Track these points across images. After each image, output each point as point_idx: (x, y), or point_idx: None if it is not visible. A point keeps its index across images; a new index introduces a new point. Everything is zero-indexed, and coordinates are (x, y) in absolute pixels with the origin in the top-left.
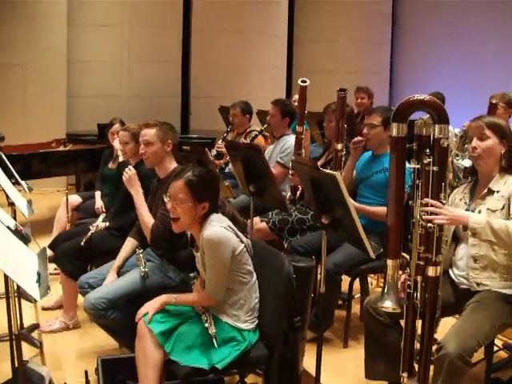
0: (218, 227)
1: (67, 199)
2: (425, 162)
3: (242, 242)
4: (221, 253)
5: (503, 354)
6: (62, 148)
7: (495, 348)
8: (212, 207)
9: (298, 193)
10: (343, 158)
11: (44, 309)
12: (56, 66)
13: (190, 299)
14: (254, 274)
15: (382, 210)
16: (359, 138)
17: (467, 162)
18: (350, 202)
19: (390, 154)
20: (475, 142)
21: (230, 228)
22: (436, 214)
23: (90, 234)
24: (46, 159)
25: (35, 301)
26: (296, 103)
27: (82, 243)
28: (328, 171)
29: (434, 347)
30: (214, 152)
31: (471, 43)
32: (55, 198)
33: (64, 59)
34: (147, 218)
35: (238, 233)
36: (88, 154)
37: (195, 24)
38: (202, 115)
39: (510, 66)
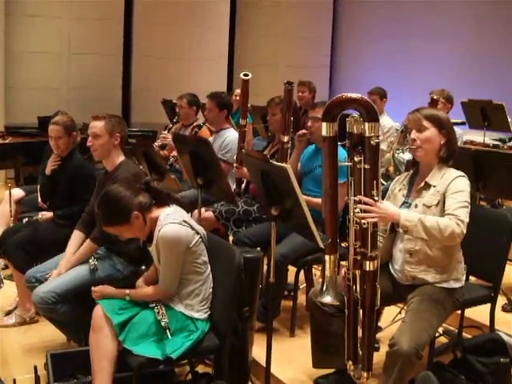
0: (173, 224)
1: (10, 193)
2: (356, 159)
3: (197, 233)
4: (175, 249)
5: (443, 339)
6: (0, 141)
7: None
8: (144, 206)
9: (243, 185)
10: (289, 151)
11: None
12: None
13: (144, 294)
14: (209, 265)
15: None
16: (303, 131)
17: (408, 156)
18: (301, 194)
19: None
20: (414, 134)
21: (185, 222)
22: (368, 212)
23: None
24: None
25: None
26: (238, 97)
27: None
28: (279, 164)
29: (379, 335)
30: (158, 142)
31: (412, 38)
32: None
33: (2, 49)
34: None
35: (194, 225)
36: (28, 147)
37: (137, 17)
38: (143, 108)
39: (450, 63)
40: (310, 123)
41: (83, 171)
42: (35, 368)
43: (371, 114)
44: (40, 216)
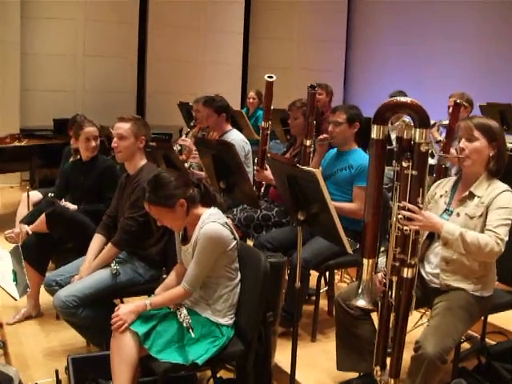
0: (217, 224)
1: (28, 195)
2: (404, 165)
3: (235, 238)
4: (213, 249)
5: (466, 345)
6: (16, 143)
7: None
8: (190, 197)
9: (263, 189)
10: (311, 155)
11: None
12: (9, 59)
13: (164, 300)
14: (239, 274)
15: (348, 205)
16: (325, 135)
17: (432, 161)
18: (330, 199)
19: (369, 156)
20: (463, 143)
21: (227, 225)
22: (411, 219)
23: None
24: (1, 155)
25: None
26: (251, 100)
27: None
28: (307, 168)
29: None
30: (177, 147)
31: (426, 41)
32: (8, 195)
33: (17, 52)
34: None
35: (233, 230)
36: (43, 149)
37: (152, 20)
38: (158, 111)
39: (464, 65)
40: (331, 127)
41: (115, 171)
42: (56, 372)
43: (423, 120)
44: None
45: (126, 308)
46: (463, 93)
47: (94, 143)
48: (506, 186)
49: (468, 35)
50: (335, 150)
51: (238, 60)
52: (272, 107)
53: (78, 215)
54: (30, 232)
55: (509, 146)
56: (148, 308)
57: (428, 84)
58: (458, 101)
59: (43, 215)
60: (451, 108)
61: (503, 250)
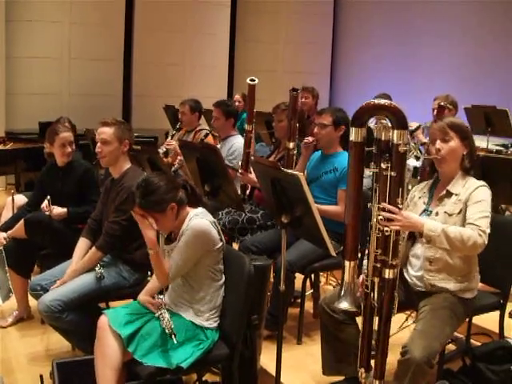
0: (206, 220)
1: (13, 199)
2: (383, 166)
3: (221, 240)
4: (199, 243)
5: (451, 347)
6: (1, 147)
7: None
8: (180, 200)
9: (248, 192)
10: (295, 157)
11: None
12: None
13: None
14: (224, 276)
15: (334, 208)
16: (310, 138)
17: (412, 162)
18: (313, 202)
19: (348, 158)
20: (439, 144)
21: (215, 225)
22: (391, 220)
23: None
24: None
25: None
26: (238, 103)
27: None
28: (290, 171)
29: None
30: (162, 149)
31: (413, 44)
32: None
33: (2, 55)
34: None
35: (220, 231)
36: (29, 152)
37: (137, 22)
38: (144, 114)
39: (451, 67)
40: (316, 130)
41: (93, 173)
42: (41, 377)
43: (400, 122)
44: (50, 209)
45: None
46: (448, 95)
47: (69, 149)
48: (481, 182)
49: (456, 37)
50: (320, 152)
51: (224, 63)
52: (257, 110)
53: (55, 222)
54: (8, 238)
55: (494, 148)
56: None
57: (415, 86)
58: (443, 103)
59: (22, 221)
60: (435, 111)
61: (486, 242)
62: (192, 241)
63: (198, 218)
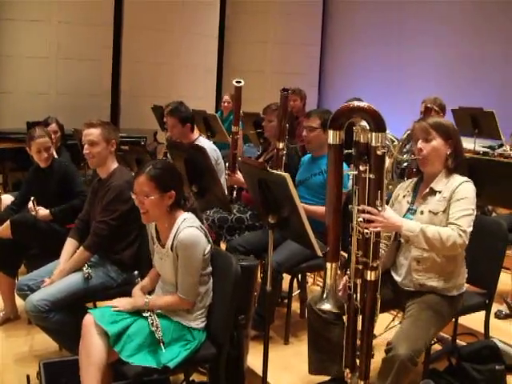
0: (192, 228)
1: (0, 199)
2: (361, 168)
3: (209, 242)
4: (195, 254)
5: (437, 347)
6: None
7: None
8: (178, 196)
9: (235, 193)
10: (284, 158)
11: None
12: None
13: (164, 303)
14: (211, 277)
15: (322, 209)
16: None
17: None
18: (299, 202)
19: (327, 159)
20: (421, 144)
21: (202, 228)
22: (371, 221)
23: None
24: None
25: None
26: (226, 104)
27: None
28: (278, 172)
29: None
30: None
31: (402, 45)
32: None
33: None
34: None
35: (207, 233)
36: (16, 152)
37: (126, 22)
38: (132, 114)
39: (439, 68)
40: (305, 133)
41: (73, 168)
42: (28, 377)
43: (378, 124)
44: (36, 210)
45: (125, 300)
46: (436, 98)
47: (45, 154)
48: (465, 178)
49: (445, 38)
50: (310, 155)
51: (213, 63)
52: (246, 111)
53: (41, 223)
54: None
55: (481, 149)
56: (145, 307)
57: (403, 87)
58: (429, 105)
59: (8, 221)
60: (423, 114)
61: (467, 241)
62: (188, 256)
63: (187, 227)
